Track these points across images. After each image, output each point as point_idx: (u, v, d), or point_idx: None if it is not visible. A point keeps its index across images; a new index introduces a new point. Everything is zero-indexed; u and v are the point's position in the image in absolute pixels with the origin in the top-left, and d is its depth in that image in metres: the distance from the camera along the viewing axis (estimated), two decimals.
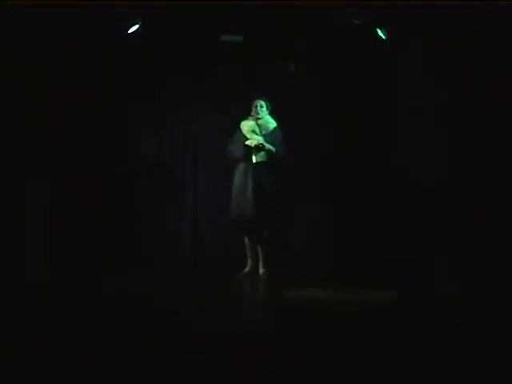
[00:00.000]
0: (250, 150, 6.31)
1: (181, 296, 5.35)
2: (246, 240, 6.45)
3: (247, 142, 6.32)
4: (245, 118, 6.50)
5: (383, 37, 6.35)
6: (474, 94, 5.38)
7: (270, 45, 6.84)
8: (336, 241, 6.86)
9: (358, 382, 3.04)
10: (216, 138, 6.95)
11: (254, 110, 6.45)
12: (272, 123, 6.47)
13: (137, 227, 7.07)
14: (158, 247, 7.08)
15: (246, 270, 6.46)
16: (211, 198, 7.14)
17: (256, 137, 6.34)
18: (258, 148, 6.29)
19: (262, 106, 6.45)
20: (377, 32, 6.35)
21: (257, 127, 6.41)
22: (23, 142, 5.95)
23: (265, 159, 6.31)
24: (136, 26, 6.44)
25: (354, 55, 6.78)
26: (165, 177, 7.23)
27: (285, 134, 6.46)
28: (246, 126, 6.45)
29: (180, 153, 7.29)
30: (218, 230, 7.10)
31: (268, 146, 6.30)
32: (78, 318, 4.29)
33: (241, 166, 6.38)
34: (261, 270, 6.39)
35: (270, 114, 6.50)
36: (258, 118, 6.43)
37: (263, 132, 6.39)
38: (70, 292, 5.38)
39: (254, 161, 6.29)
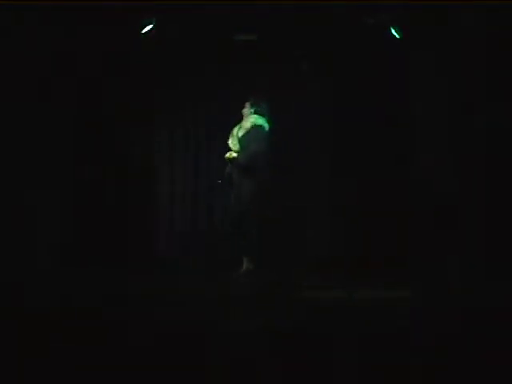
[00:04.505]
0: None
1: (180, 295, 5.23)
2: (239, 239, 6.24)
3: (226, 155, 6.08)
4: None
5: (397, 36, 6.34)
6: (485, 96, 5.40)
7: (282, 44, 6.79)
8: (337, 240, 6.86)
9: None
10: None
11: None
12: (251, 122, 6.08)
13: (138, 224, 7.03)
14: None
15: (242, 269, 6.24)
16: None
17: (233, 143, 6.10)
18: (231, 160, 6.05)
19: (245, 107, 6.15)
20: (390, 31, 6.34)
21: (237, 129, 6.13)
22: (42, 141, 6.00)
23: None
24: (149, 26, 6.45)
25: (367, 55, 6.72)
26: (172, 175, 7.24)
27: (293, 133, 6.47)
28: (234, 130, 6.21)
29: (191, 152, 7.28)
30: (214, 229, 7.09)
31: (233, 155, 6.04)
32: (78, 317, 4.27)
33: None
34: (257, 269, 6.18)
35: (260, 114, 6.12)
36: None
37: (240, 134, 6.08)
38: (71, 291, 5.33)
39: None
